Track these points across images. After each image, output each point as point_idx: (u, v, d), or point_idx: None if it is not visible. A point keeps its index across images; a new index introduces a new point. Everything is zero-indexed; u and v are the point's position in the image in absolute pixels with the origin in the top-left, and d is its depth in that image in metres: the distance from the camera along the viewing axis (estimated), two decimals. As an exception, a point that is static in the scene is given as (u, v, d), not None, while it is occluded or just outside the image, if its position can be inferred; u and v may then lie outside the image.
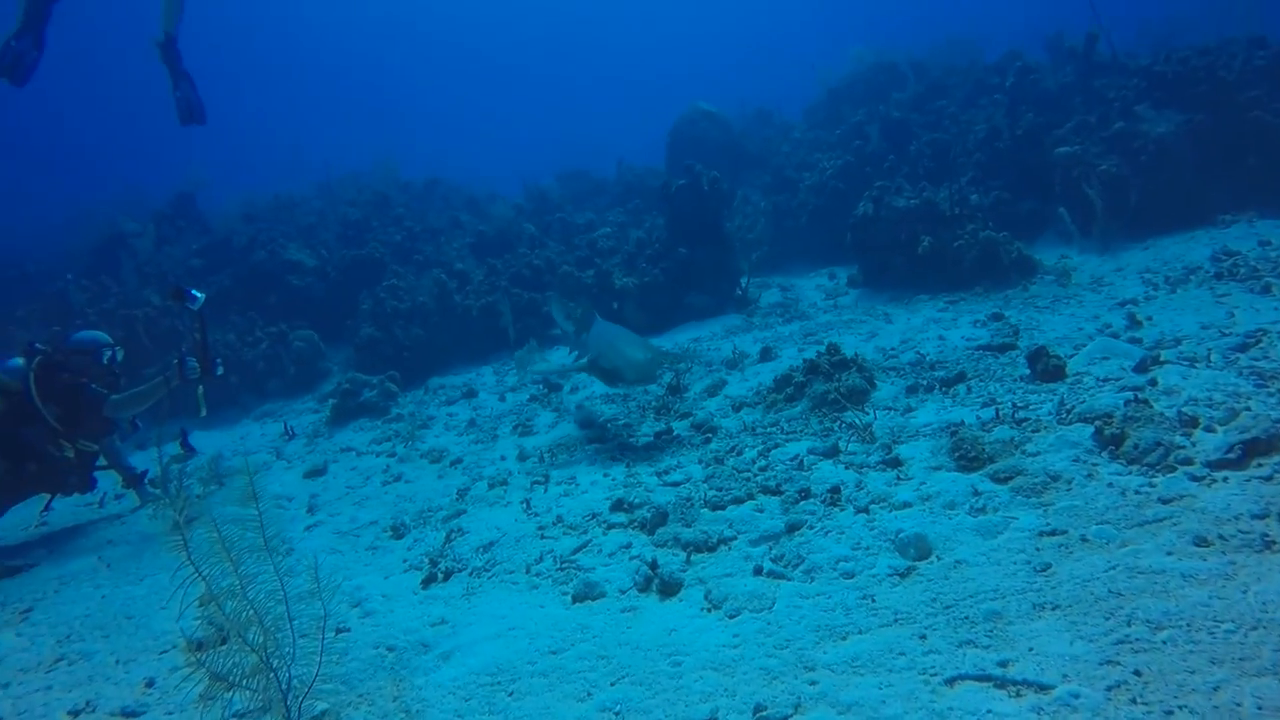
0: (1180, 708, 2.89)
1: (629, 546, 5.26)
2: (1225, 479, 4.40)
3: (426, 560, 5.70)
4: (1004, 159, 12.96)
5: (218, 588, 3.54)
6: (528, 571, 5.25)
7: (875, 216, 11.54)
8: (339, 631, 4.80)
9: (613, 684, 3.78)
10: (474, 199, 21.17)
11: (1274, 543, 3.75)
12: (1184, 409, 5.17)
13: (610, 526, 5.64)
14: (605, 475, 6.64)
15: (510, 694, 3.83)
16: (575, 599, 4.74)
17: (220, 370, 7.98)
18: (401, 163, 22.93)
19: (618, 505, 5.87)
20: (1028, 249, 10.60)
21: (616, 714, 3.55)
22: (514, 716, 3.64)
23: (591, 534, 5.58)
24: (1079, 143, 11.73)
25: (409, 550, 6.07)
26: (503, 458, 7.77)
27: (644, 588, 4.71)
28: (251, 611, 3.59)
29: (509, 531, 5.92)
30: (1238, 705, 2.84)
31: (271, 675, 3.61)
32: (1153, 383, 5.83)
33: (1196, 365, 6.04)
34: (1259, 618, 3.26)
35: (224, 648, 3.65)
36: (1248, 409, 5.04)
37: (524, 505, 6.34)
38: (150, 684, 4.63)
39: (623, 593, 4.72)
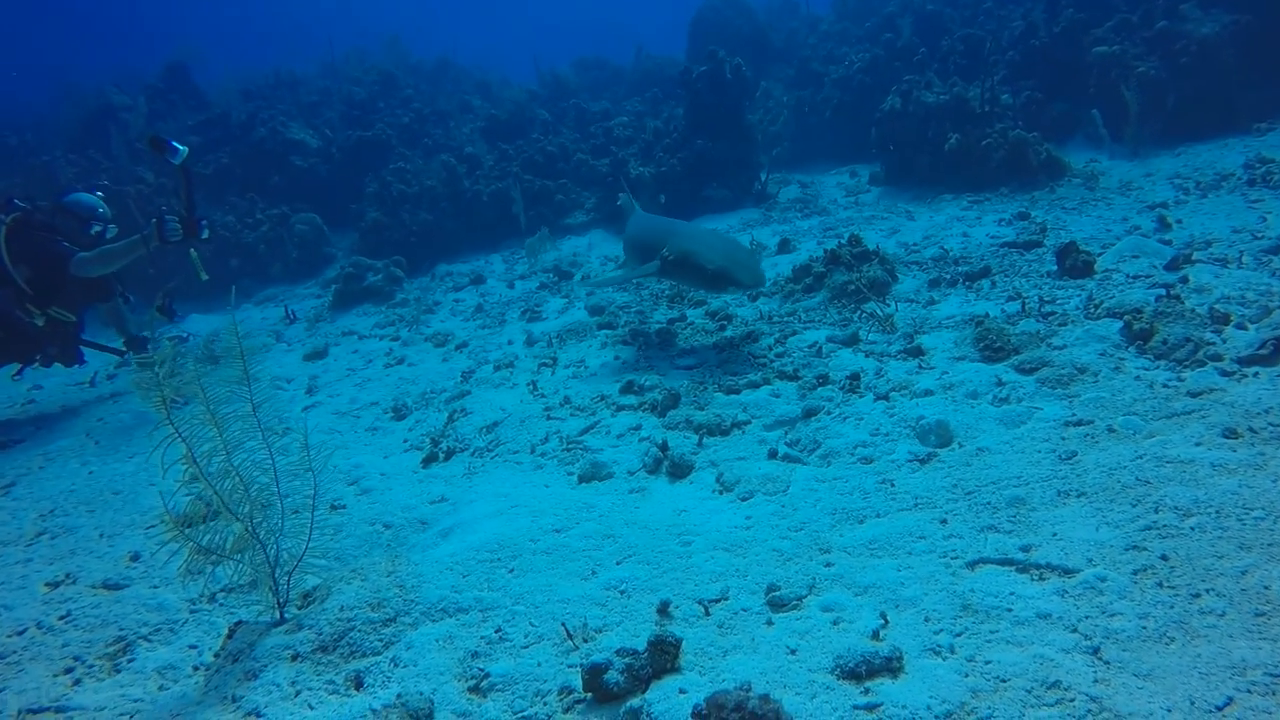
0: (1208, 590, 2.82)
1: (638, 428, 5.15)
2: (1256, 374, 4.31)
3: (428, 440, 5.61)
4: (1038, 57, 12.41)
5: (201, 453, 3.37)
6: (532, 451, 5.15)
7: (902, 111, 11.14)
8: (334, 508, 4.71)
9: (618, 563, 3.68)
10: (485, 83, 20.59)
11: (1306, 436, 3.64)
12: (1216, 306, 5.05)
13: (620, 408, 5.52)
14: (615, 359, 6.49)
15: (511, 570, 3.72)
16: (582, 479, 4.65)
17: (206, 233, 7.07)
18: (411, 44, 22.23)
19: (628, 388, 5.73)
20: (1057, 151, 10.25)
21: (622, 592, 3.44)
22: (514, 592, 3.53)
23: (600, 415, 5.46)
24: (1119, 42, 11.21)
25: (410, 431, 5.97)
26: (510, 342, 7.61)
27: (653, 469, 4.61)
28: (237, 480, 3.43)
29: (514, 412, 5.80)
30: (1266, 588, 2.77)
31: (259, 546, 3.48)
32: (1184, 280, 5.69)
33: (1228, 266, 5.89)
34: (1291, 505, 3.17)
35: (211, 523, 3.51)
36: (1280, 307, 4.94)
37: (530, 387, 6.21)
38: (135, 558, 4.56)
39: (631, 474, 4.62)
